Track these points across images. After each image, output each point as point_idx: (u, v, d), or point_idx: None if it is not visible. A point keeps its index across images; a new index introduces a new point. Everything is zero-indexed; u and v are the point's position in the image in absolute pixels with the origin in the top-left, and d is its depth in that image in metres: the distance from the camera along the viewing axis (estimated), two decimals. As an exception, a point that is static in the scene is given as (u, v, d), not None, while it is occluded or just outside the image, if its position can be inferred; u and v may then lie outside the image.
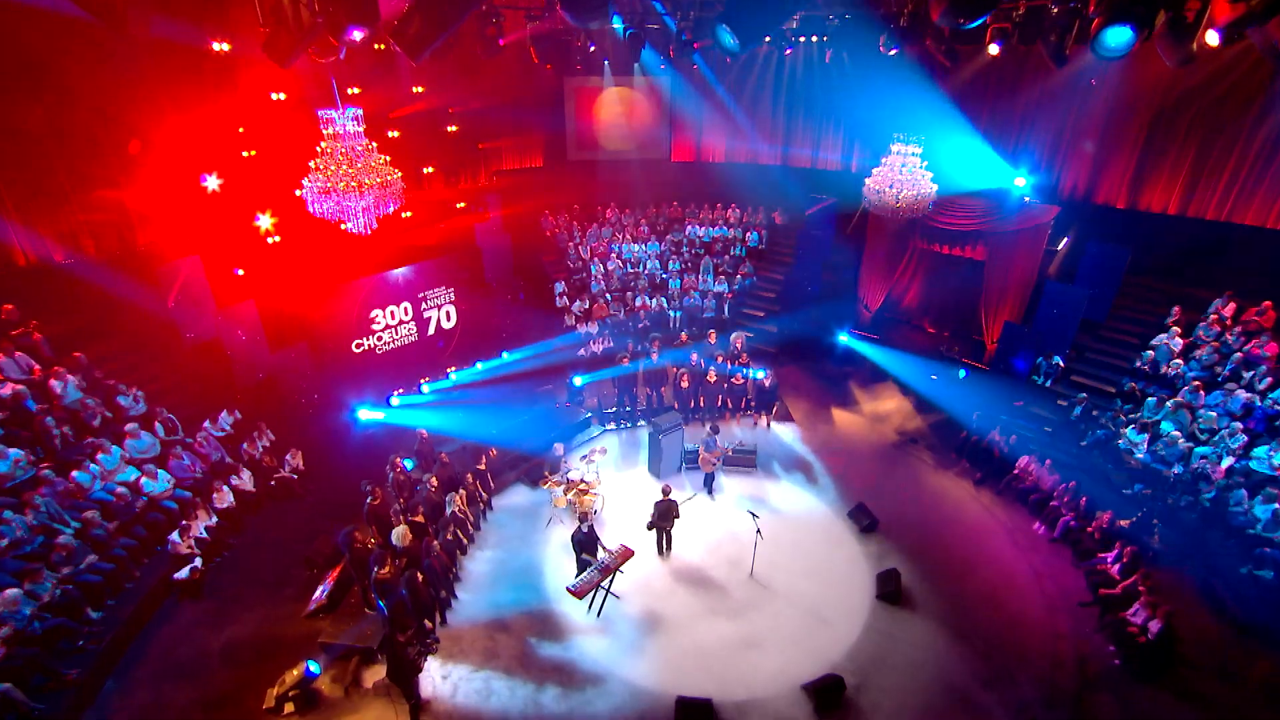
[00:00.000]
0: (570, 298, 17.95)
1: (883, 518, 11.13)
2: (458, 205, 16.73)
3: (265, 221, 13.51)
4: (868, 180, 13.24)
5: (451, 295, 16.01)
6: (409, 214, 15.86)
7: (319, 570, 10.15)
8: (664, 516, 9.99)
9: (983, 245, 15.62)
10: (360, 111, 9.55)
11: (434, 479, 10.30)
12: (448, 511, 9.95)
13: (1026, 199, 14.70)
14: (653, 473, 12.51)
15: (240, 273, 13.26)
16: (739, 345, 14.72)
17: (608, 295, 18.03)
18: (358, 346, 14.62)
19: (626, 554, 9.61)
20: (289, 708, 8.26)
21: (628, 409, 14.28)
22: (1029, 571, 10.30)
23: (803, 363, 16.49)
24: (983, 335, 15.75)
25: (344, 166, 9.54)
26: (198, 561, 9.74)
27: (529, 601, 9.60)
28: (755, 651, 8.82)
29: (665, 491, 10.03)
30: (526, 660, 8.74)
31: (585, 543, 9.45)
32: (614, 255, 19.09)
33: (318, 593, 9.76)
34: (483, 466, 11.14)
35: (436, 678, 8.54)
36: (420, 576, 8.57)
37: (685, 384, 13.75)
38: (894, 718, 8.09)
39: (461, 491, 10.36)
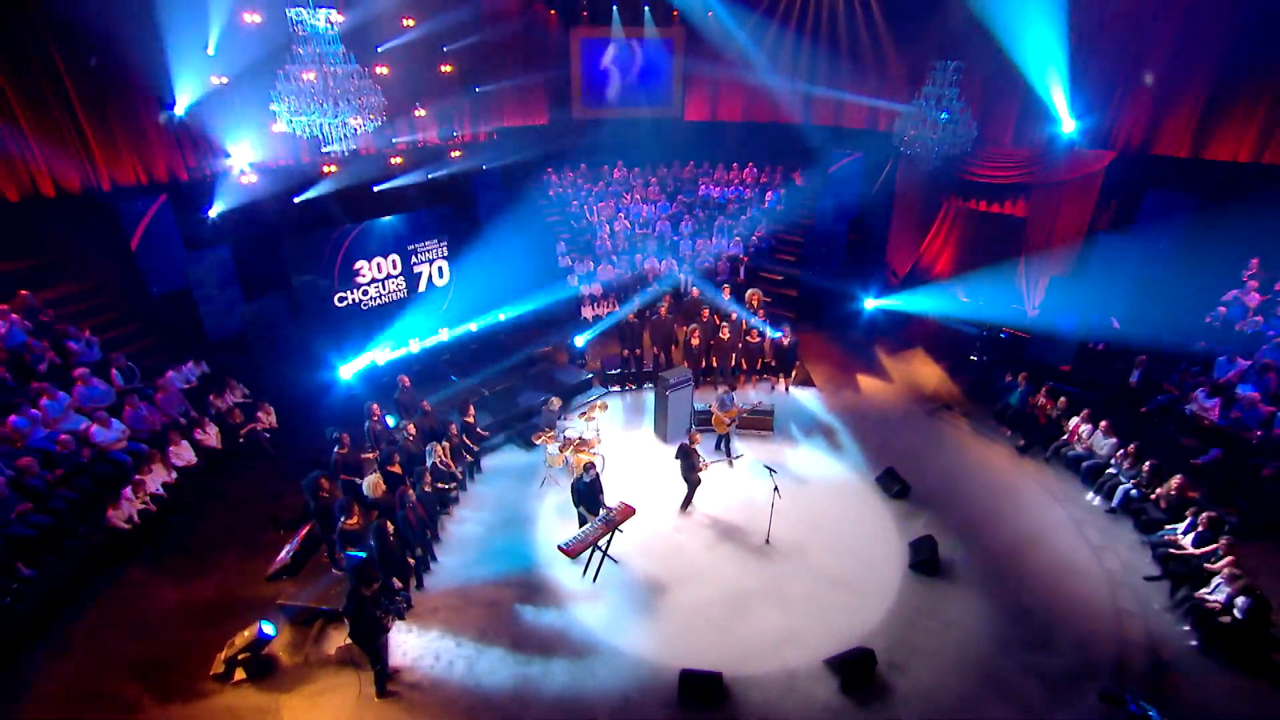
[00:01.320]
0: (574, 258, 17.18)
1: (915, 484, 10.31)
2: (453, 154, 15.91)
3: (238, 158, 12.76)
4: (898, 120, 12.33)
5: (445, 249, 15.17)
6: (399, 160, 15.08)
7: (285, 530, 9.45)
8: (688, 468, 9.25)
9: (1024, 200, 14.66)
10: (334, 10, 8.75)
11: (411, 426, 9.51)
12: (427, 463, 9.13)
13: (1075, 146, 13.67)
14: (659, 435, 11.74)
15: (211, 215, 12.49)
16: (755, 302, 13.85)
17: (614, 257, 17.28)
18: (340, 300, 13.79)
19: (627, 511, 8.80)
20: (239, 674, 7.47)
21: (632, 370, 13.48)
22: (1084, 544, 9.41)
23: (825, 329, 15.83)
24: (1023, 302, 14.76)
25: (316, 77, 8.79)
26: (135, 514, 8.95)
27: (517, 566, 8.90)
28: (772, 623, 8.05)
29: (692, 440, 9.32)
30: (511, 628, 8.01)
31: (586, 494, 8.70)
32: (621, 216, 18.35)
33: (282, 553, 9.08)
34: (470, 418, 10.33)
35: (409, 644, 7.74)
36: (391, 527, 7.75)
37: (696, 341, 12.89)
38: (930, 698, 7.18)
39: (445, 443, 9.55)
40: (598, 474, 8.93)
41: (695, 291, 14.79)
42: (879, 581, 8.69)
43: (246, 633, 7.62)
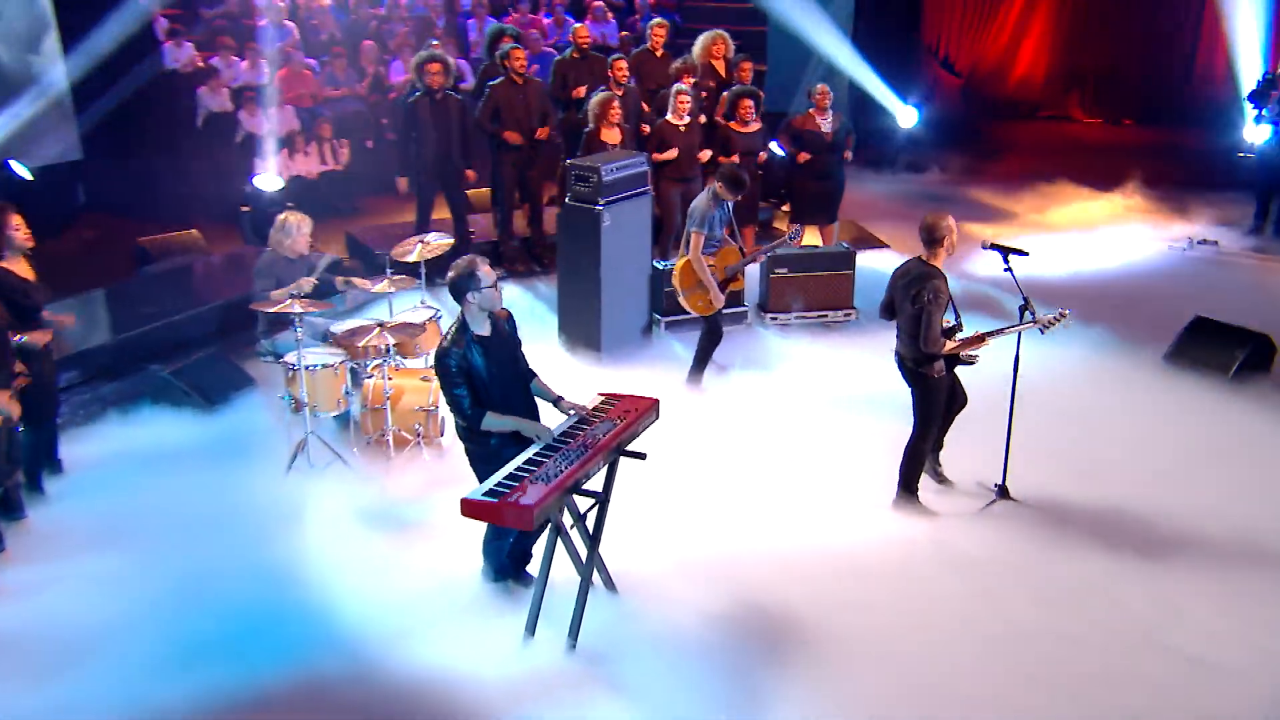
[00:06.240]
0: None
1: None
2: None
3: None
4: None
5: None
6: None
7: None
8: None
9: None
10: None
11: None
12: None
13: None
14: (563, 339, 10.24)
15: None
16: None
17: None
18: None
19: (640, 406, 5.71)
20: None
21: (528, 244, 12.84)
22: None
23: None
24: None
25: None
26: None
27: (265, 656, 5.92)
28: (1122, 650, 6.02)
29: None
30: None
31: (493, 375, 5.72)
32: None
33: None
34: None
35: None
36: None
37: (616, 136, 10.92)
38: None
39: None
40: (509, 323, 6.04)
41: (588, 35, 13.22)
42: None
43: None
